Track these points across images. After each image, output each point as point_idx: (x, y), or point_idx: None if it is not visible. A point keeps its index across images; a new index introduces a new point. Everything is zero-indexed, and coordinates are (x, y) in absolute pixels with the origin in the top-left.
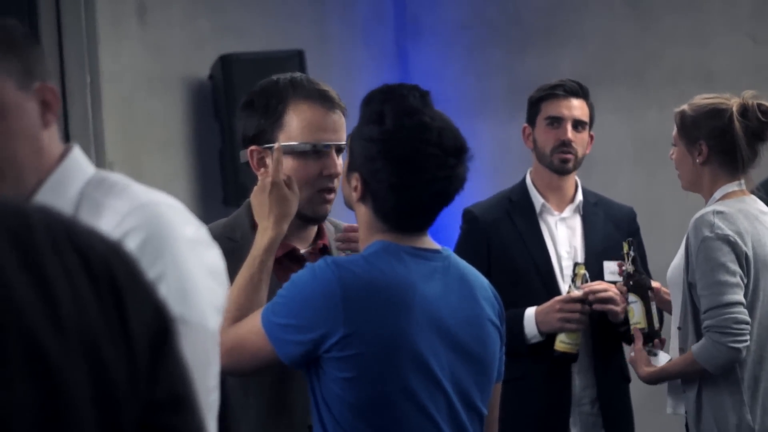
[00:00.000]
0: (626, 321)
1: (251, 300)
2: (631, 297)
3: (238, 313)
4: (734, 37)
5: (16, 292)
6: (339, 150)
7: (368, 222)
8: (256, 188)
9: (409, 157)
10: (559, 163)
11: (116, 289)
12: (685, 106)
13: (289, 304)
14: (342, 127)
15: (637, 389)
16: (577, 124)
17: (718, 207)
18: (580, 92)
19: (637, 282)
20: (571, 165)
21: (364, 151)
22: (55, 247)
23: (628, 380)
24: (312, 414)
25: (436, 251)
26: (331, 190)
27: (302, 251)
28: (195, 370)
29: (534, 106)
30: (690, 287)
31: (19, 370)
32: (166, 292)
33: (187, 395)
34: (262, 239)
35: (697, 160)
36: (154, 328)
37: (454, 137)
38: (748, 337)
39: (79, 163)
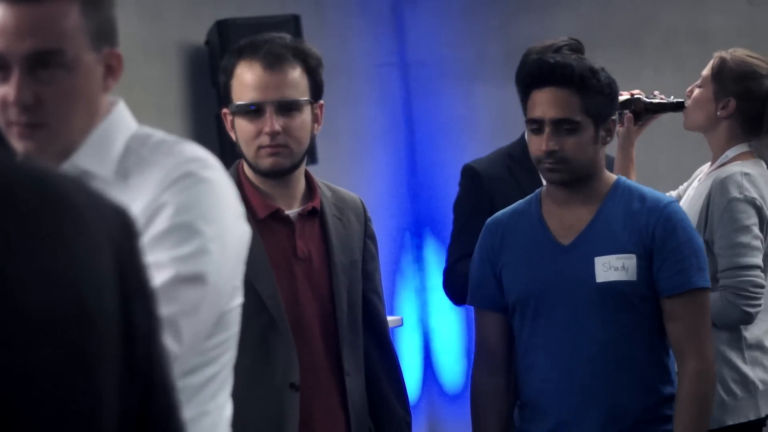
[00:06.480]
0: None
1: None
2: None
3: None
4: None
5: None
6: (284, 107)
7: None
8: None
9: None
10: None
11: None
12: (727, 55)
13: None
14: (288, 83)
15: None
16: None
17: (745, 168)
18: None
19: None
20: None
21: None
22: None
23: None
24: None
25: None
26: (272, 146)
27: (288, 212)
28: (203, 326)
29: None
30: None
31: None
32: (195, 242)
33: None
34: None
35: (719, 113)
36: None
37: None
38: (762, 301)
39: (124, 118)
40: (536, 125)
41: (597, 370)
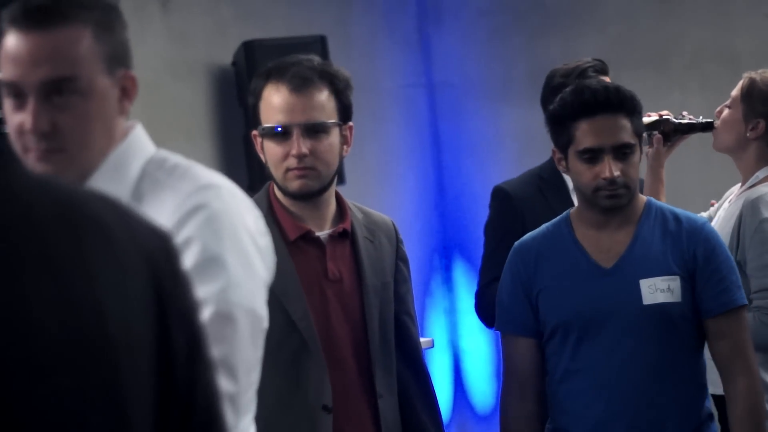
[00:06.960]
0: None
1: None
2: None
3: None
4: (755, 18)
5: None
6: (310, 129)
7: None
8: None
9: None
10: None
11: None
12: (756, 76)
13: None
14: (315, 106)
15: None
16: None
17: None
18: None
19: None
20: None
21: None
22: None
23: None
24: None
25: None
26: (300, 169)
27: (319, 234)
28: (253, 358)
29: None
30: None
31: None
32: (224, 276)
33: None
34: None
35: (749, 134)
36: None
37: None
38: None
39: (141, 142)
40: (590, 154)
41: (644, 392)
